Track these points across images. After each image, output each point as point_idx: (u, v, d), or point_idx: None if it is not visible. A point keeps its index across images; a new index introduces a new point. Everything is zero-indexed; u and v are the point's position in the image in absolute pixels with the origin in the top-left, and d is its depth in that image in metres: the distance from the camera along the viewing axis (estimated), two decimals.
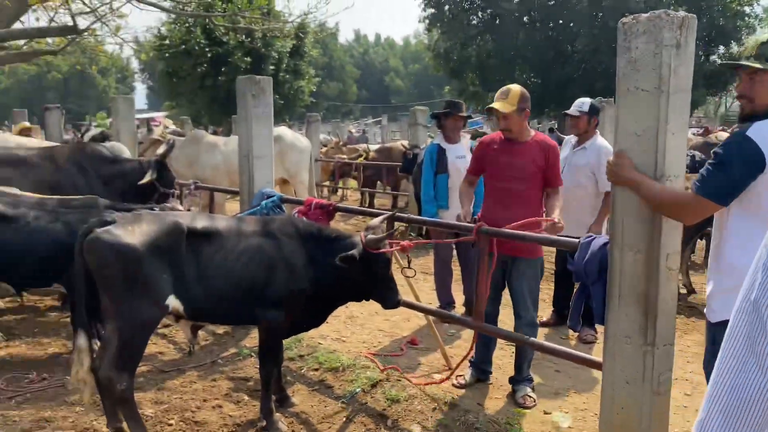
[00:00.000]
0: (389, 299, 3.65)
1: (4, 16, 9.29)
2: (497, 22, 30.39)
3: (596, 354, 3.89)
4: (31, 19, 10.22)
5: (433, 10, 31.25)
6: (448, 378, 4.13)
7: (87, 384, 3.30)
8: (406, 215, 4.79)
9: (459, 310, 5.81)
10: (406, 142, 10.70)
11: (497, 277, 4.09)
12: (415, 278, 4.86)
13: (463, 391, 4.20)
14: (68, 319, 5.36)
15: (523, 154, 4.04)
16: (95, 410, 3.69)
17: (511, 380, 4.21)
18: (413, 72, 71.47)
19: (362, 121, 47.24)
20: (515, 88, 4.03)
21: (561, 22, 29.48)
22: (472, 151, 5.80)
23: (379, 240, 3.49)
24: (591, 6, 27.10)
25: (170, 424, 3.65)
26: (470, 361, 4.32)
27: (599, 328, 4.98)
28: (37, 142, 7.75)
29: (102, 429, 3.53)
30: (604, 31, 25.74)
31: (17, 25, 9.62)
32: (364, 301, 3.83)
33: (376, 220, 3.75)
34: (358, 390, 4.11)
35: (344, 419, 3.79)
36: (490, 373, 4.41)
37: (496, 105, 3.97)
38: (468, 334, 5.33)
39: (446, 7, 30.91)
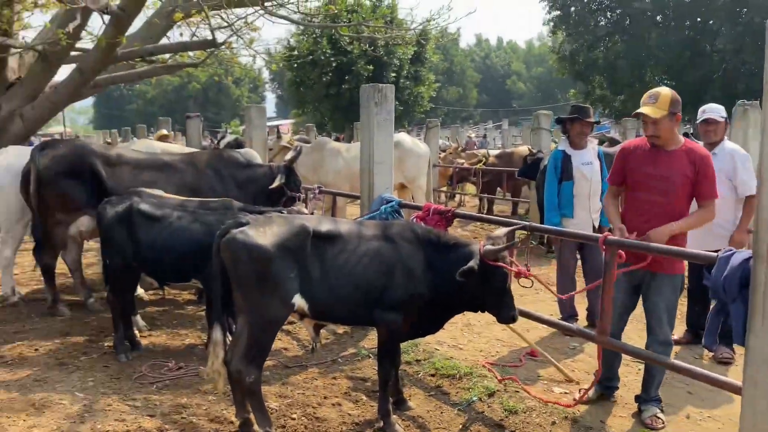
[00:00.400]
0: (504, 313, 3.59)
1: (153, 32, 10.16)
2: (627, 22, 29.04)
3: (733, 376, 3.60)
4: (175, 35, 11.07)
5: (558, 12, 30.42)
6: (577, 402, 3.95)
7: (221, 375, 3.53)
8: (528, 223, 4.69)
9: (582, 323, 5.60)
10: (530, 147, 10.46)
11: (630, 292, 3.88)
12: (535, 289, 4.75)
13: (585, 406, 4.04)
14: (203, 313, 5.76)
15: (669, 164, 3.72)
16: (226, 400, 3.93)
17: (638, 399, 3.99)
18: (536, 75, 69.86)
19: (482, 126, 46.81)
20: (665, 91, 3.75)
21: (699, 20, 27.61)
22: (601, 157, 5.60)
23: (497, 251, 3.44)
24: (734, 2, 25.12)
25: (293, 418, 3.81)
26: (594, 376, 4.13)
27: (737, 348, 4.63)
28: (179, 148, 8.42)
29: (231, 418, 3.76)
30: (749, 29, 23.80)
31: (164, 41, 10.49)
32: (479, 312, 3.80)
33: (500, 231, 3.70)
34: (475, 398, 4.08)
35: (460, 427, 3.77)
36: (616, 389, 4.20)
37: (645, 110, 3.70)
38: (591, 348, 5.13)
39: (572, 9, 29.97)
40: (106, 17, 8.05)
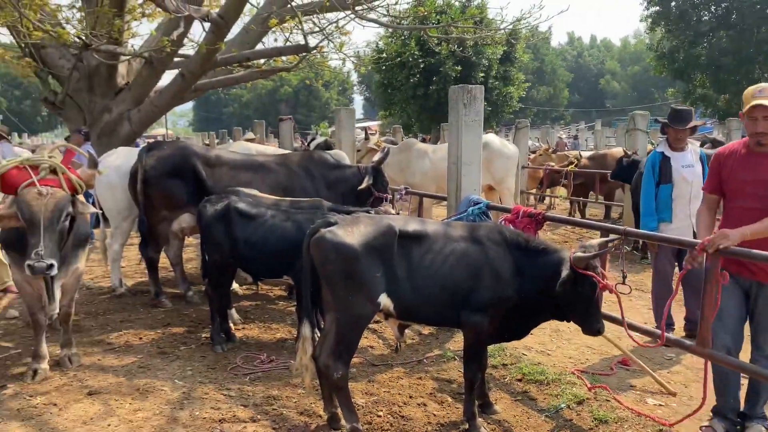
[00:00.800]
0: (589, 325, 3.48)
1: (250, 38, 10.60)
2: (733, 16, 27.32)
3: None
4: (270, 40, 11.51)
5: (657, 8, 29.08)
6: (679, 422, 3.74)
7: (308, 370, 3.63)
8: (622, 227, 4.51)
9: (678, 333, 5.34)
10: (624, 149, 10.07)
11: (739, 305, 3.60)
12: (629, 296, 4.58)
13: (679, 416, 3.84)
14: (293, 308, 5.95)
15: None
16: (315, 394, 4.04)
17: (740, 415, 3.75)
18: (631, 74, 67.03)
19: (573, 126, 45.45)
20: None
21: None
22: (703, 160, 5.31)
23: (588, 259, 3.35)
24: None
25: (379, 416, 3.86)
26: (715, 410, 3.78)
27: None
28: (272, 149, 8.72)
29: (319, 412, 3.86)
30: None
31: (259, 46, 10.91)
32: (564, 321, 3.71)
33: (594, 241, 3.58)
34: (563, 405, 3.98)
35: None
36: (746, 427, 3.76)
37: (764, 101, 3.38)
38: (689, 360, 4.88)
39: (672, 4, 28.56)
40: (207, 25, 8.46)
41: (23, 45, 9.58)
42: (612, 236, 4.04)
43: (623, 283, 3.72)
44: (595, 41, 78.02)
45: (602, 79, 68.77)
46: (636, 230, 4.66)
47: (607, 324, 4.25)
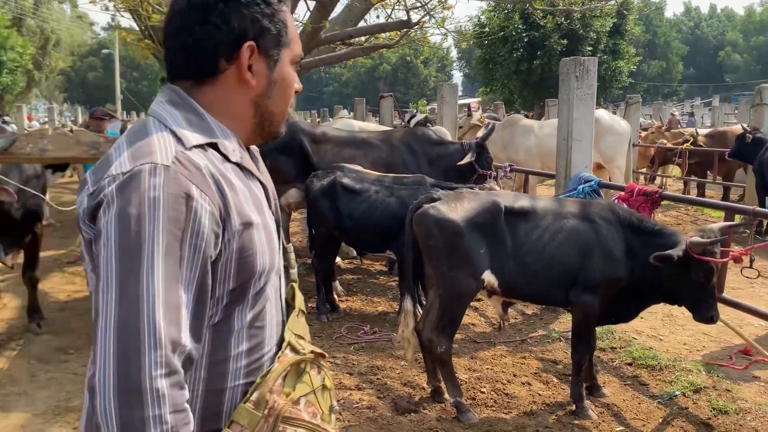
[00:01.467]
0: (702, 312, 3.31)
1: (353, 15, 10.68)
2: None
3: None
4: (372, 17, 11.55)
5: None
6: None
7: (410, 343, 3.68)
8: (750, 207, 4.19)
9: None
10: (742, 125, 9.31)
11: None
12: (750, 282, 4.28)
13: None
14: (394, 283, 6.02)
15: None
16: (418, 367, 4.08)
17: None
18: (756, 45, 61.71)
19: (687, 103, 42.67)
20: None
21: None
22: None
23: (705, 244, 3.14)
24: None
25: (482, 392, 3.84)
26: None
27: None
28: (374, 126, 8.81)
29: (422, 384, 3.90)
30: None
31: (361, 23, 10.98)
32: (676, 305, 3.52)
33: (715, 225, 3.36)
34: (677, 393, 3.79)
35: (660, 420, 3.53)
36: None
37: None
38: None
39: None
40: (312, 3, 8.62)
41: (143, 27, 10.18)
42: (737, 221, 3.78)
43: (750, 266, 3.47)
44: (715, 11, 72.40)
45: (722, 51, 63.76)
46: (765, 210, 4.32)
47: (728, 310, 4.03)
